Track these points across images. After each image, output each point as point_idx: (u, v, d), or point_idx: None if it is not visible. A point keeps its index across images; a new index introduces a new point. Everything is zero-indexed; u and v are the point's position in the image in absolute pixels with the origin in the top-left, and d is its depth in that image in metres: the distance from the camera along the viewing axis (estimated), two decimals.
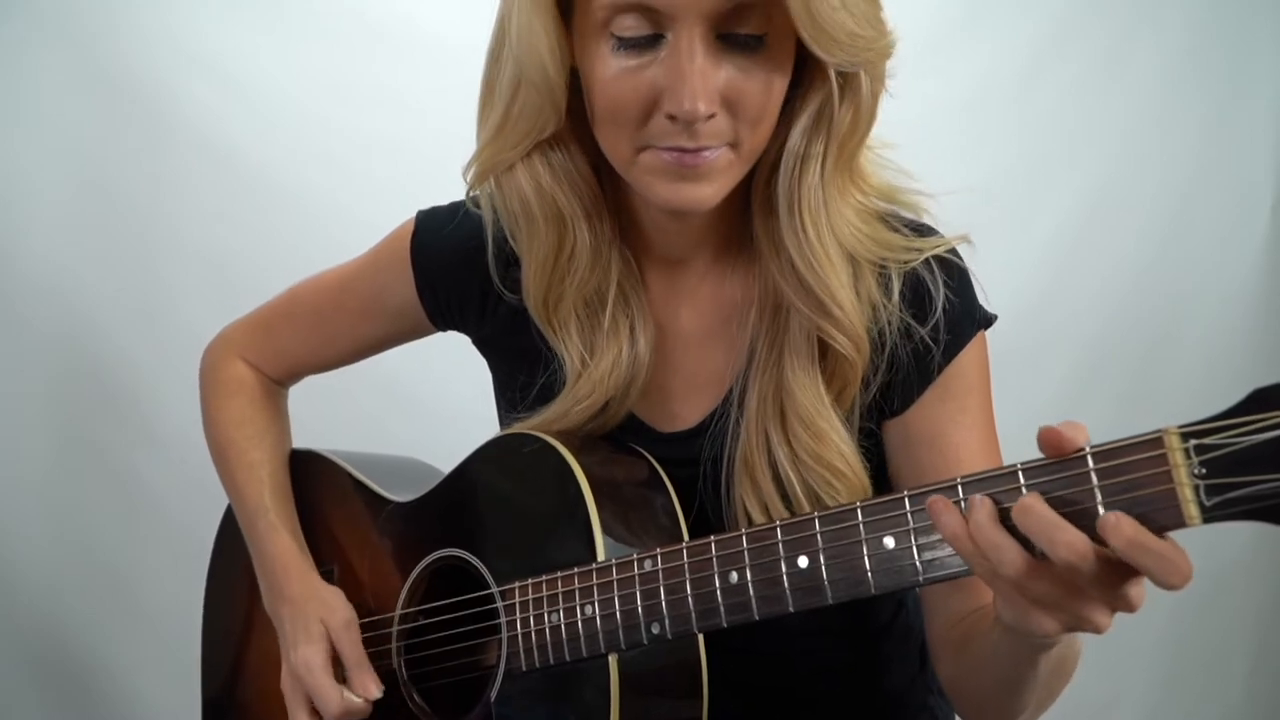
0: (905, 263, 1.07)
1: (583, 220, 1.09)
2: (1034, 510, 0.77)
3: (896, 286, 1.07)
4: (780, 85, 0.99)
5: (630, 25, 0.95)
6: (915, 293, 1.08)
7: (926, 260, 1.08)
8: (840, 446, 1.06)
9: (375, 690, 1.18)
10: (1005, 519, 0.79)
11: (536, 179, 1.07)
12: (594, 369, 1.13)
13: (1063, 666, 0.95)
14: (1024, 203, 2.40)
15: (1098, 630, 0.80)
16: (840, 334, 1.05)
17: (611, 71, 0.97)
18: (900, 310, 1.07)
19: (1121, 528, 0.74)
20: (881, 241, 1.07)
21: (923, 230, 1.11)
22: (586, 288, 1.12)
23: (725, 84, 0.96)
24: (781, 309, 1.09)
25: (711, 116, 0.96)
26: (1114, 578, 0.77)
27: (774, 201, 1.05)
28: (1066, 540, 0.75)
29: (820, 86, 1.01)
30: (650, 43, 0.96)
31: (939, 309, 1.07)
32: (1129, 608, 0.79)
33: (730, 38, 0.95)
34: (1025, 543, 0.78)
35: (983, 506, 0.79)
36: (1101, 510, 0.76)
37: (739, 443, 1.10)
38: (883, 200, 1.10)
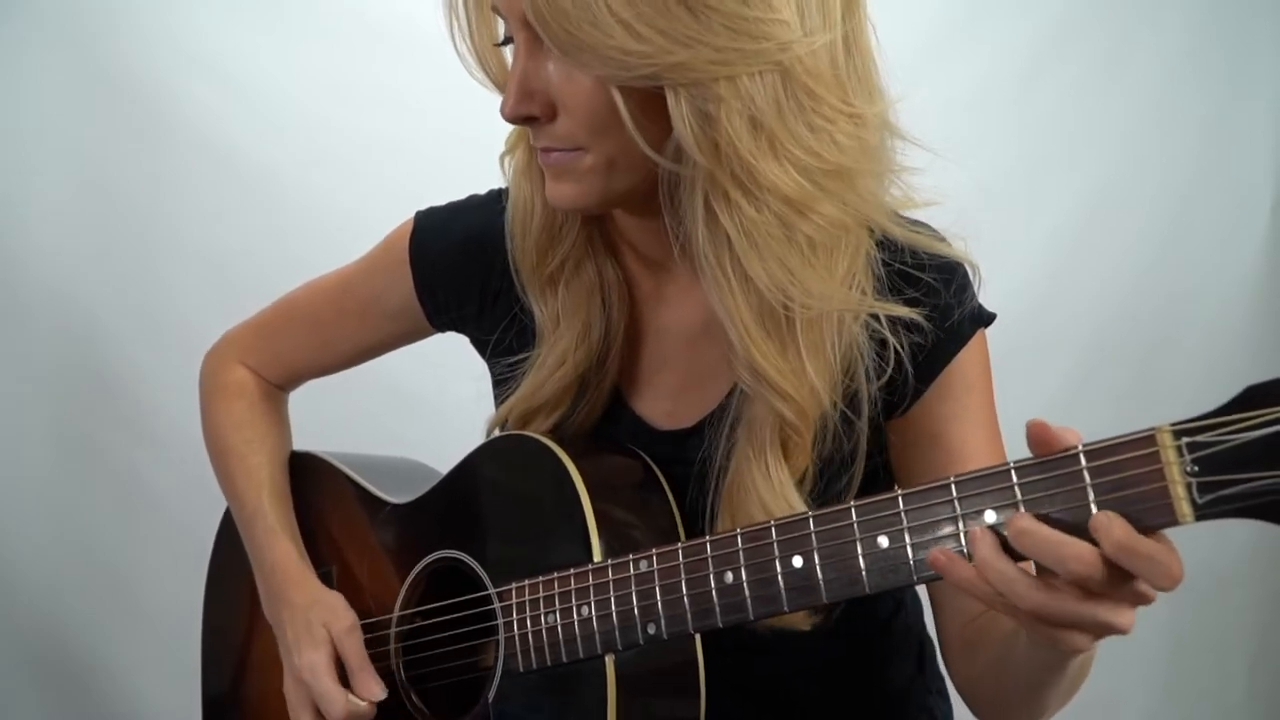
0: (864, 313, 1.03)
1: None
2: (1032, 532, 0.77)
3: (864, 357, 1.03)
4: (608, 92, 0.94)
5: (505, 28, 1.00)
6: (912, 291, 1.06)
7: (923, 261, 1.06)
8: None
9: (379, 692, 1.18)
10: (1008, 547, 0.79)
11: (517, 159, 1.12)
12: (563, 334, 1.14)
13: (1085, 667, 0.95)
14: (1024, 204, 2.40)
15: (1124, 631, 0.79)
16: (778, 401, 1.00)
17: (508, 70, 1.02)
18: (893, 325, 1.04)
19: (1112, 530, 0.74)
20: (825, 294, 0.98)
21: (914, 262, 1.06)
22: (557, 251, 1.13)
23: (549, 86, 0.97)
24: None
25: (532, 119, 0.98)
26: (1125, 576, 0.76)
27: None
28: (1074, 554, 0.75)
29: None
30: (512, 43, 0.99)
31: (933, 311, 1.06)
32: (1146, 600, 0.79)
33: None
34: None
35: (984, 540, 0.79)
36: (1094, 510, 0.75)
37: (728, 473, 1.07)
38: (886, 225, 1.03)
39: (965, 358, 1.09)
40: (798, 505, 1.01)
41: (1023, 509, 0.79)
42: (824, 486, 1.07)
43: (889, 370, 1.05)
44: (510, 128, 1.11)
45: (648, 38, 0.89)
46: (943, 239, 1.09)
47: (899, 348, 1.04)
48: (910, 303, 1.05)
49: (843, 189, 0.96)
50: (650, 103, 0.93)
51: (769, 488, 1.02)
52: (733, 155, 0.92)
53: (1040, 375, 2.41)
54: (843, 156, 0.95)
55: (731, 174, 0.93)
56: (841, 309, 1.00)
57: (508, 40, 1.01)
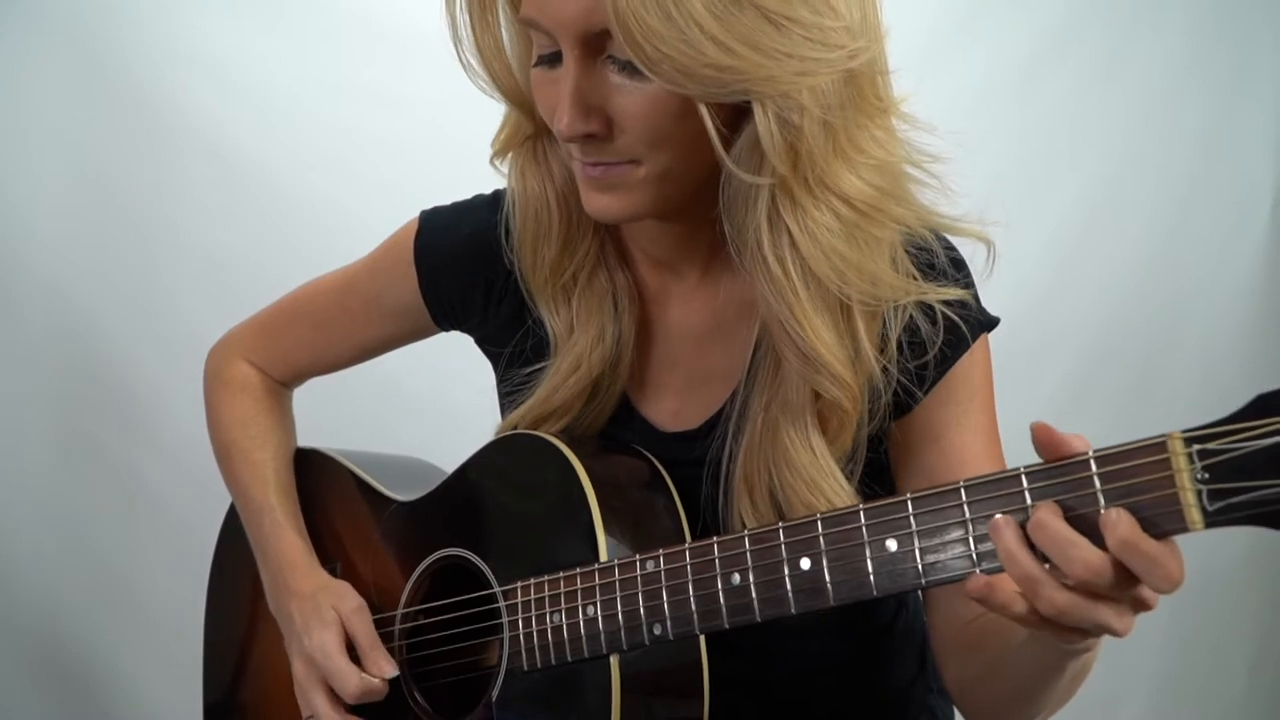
0: (903, 303, 1.04)
1: (563, 201, 1.12)
2: (1049, 526, 0.78)
3: (895, 328, 1.04)
4: (671, 105, 0.95)
5: (541, 42, 0.99)
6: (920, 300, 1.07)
7: (934, 260, 1.07)
8: (838, 494, 1.04)
9: (390, 669, 1.18)
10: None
11: (523, 166, 1.12)
12: (578, 339, 1.14)
13: (1086, 668, 0.96)
14: (1024, 204, 2.40)
15: (1120, 634, 0.81)
16: (831, 386, 1.01)
17: (537, 83, 1.01)
18: (900, 337, 1.05)
19: (1119, 527, 0.75)
20: (877, 279, 1.01)
21: (935, 264, 1.07)
22: (572, 261, 1.14)
23: (607, 102, 0.97)
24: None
25: (591, 135, 0.97)
26: (1130, 580, 0.77)
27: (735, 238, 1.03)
28: (1081, 557, 0.76)
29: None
30: (557, 58, 0.98)
31: (941, 316, 1.06)
32: (1146, 606, 0.80)
33: (612, 57, 0.96)
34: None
35: (1008, 531, 0.80)
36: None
37: (737, 464, 1.08)
38: (914, 224, 1.04)
39: (968, 361, 1.10)
40: (843, 482, 1.03)
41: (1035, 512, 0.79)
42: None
43: (911, 365, 1.06)
44: (494, 130, 1.12)
45: (740, 54, 0.89)
46: (953, 248, 1.10)
47: (934, 333, 1.05)
48: (918, 306, 1.06)
49: (888, 183, 0.99)
50: (727, 115, 0.95)
51: (817, 466, 1.03)
52: (808, 160, 0.94)
53: (1041, 375, 2.42)
54: (881, 151, 0.98)
55: (804, 178, 0.95)
56: (899, 298, 1.03)
57: (546, 59, 0.99)
